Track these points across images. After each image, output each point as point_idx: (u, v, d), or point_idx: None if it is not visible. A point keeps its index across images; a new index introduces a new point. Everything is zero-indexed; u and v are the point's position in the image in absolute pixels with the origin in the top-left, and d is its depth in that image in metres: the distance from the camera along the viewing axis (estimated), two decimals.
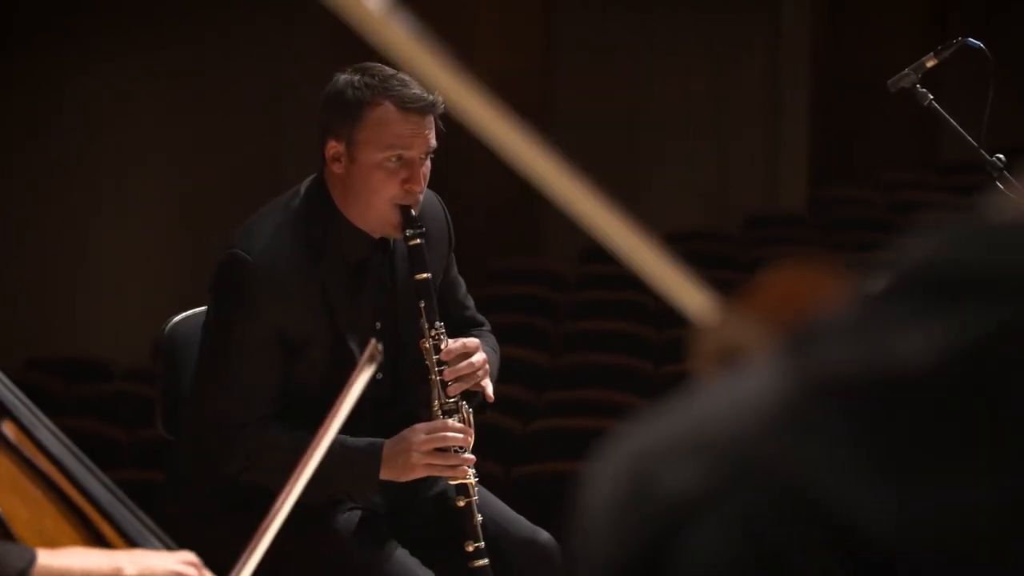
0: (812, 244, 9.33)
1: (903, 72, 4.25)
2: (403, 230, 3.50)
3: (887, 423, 0.72)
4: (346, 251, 3.55)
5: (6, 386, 2.24)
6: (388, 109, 3.47)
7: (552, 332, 8.08)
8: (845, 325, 0.75)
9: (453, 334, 3.59)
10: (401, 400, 3.66)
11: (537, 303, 8.43)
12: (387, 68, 3.53)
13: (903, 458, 0.71)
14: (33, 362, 8.43)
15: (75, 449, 2.21)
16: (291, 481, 2.44)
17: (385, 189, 3.49)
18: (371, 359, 2.54)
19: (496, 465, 5.97)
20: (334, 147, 3.52)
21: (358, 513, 3.61)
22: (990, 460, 0.70)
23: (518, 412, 6.64)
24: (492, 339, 3.79)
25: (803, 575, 0.70)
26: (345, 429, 2.74)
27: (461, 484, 3.54)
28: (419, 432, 3.51)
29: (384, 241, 3.60)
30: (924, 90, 4.24)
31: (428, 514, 3.70)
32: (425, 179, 3.51)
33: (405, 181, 3.48)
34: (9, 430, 2.18)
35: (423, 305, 3.54)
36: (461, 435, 3.53)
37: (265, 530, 2.38)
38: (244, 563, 2.34)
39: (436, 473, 3.55)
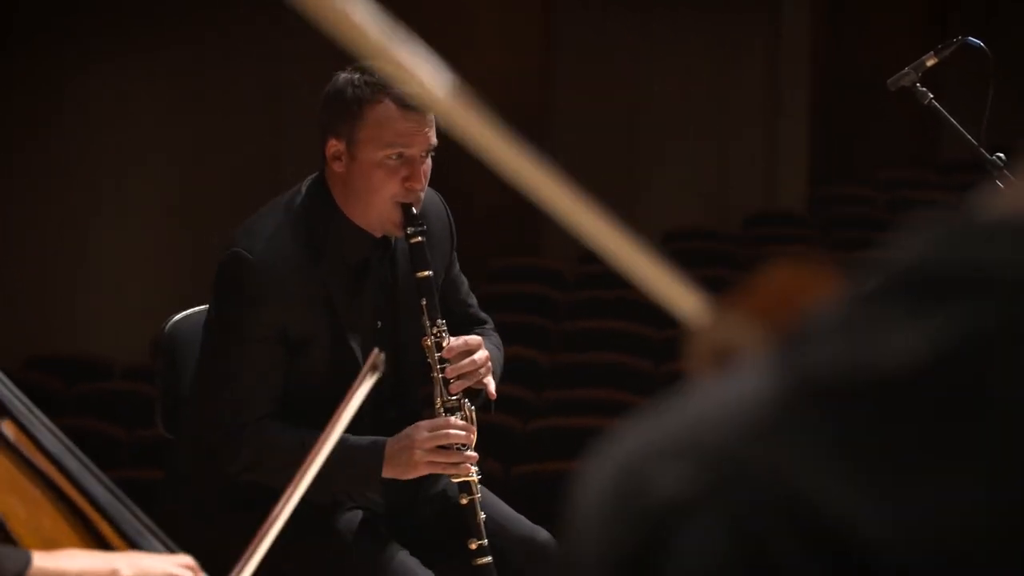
0: (812, 243, 9.34)
1: (903, 71, 4.25)
2: (404, 228, 3.50)
3: (878, 423, 0.72)
4: (347, 250, 3.55)
5: (5, 386, 2.24)
6: (388, 107, 3.47)
7: (552, 331, 8.08)
8: (835, 325, 0.75)
9: (456, 332, 3.59)
10: (402, 399, 3.66)
11: (537, 302, 8.43)
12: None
13: (895, 459, 0.71)
14: (33, 361, 8.43)
15: (74, 448, 2.21)
16: (293, 482, 2.44)
17: (386, 187, 3.49)
18: (373, 369, 2.54)
19: (496, 464, 5.98)
20: (334, 146, 3.52)
21: (358, 513, 3.61)
22: (988, 460, 0.70)
23: (518, 411, 6.64)
24: (496, 337, 3.79)
25: None
26: (346, 429, 2.74)
27: (464, 482, 3.54)
28: (422, 430, 3.50)
29: (385, 240, 3.60)
30: (924, 89, 4.24)
31: (428, 514, 3.70)
32: (426, 177, 3.51)
33: (406, 179, 3.48)
34: (8, 429, 2.18)
35: (424, 303, 3.54)
36: (463, 433, 3.52)
37: (266, 530, 2.38)
38: (245, 563, 2.34)
39: (439, 471, 3.55)
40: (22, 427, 2.19)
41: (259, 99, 10.20)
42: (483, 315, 3.84)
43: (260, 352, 3.49)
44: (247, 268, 3.47)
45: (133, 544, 2.16)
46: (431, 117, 3.48)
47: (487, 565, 3.50)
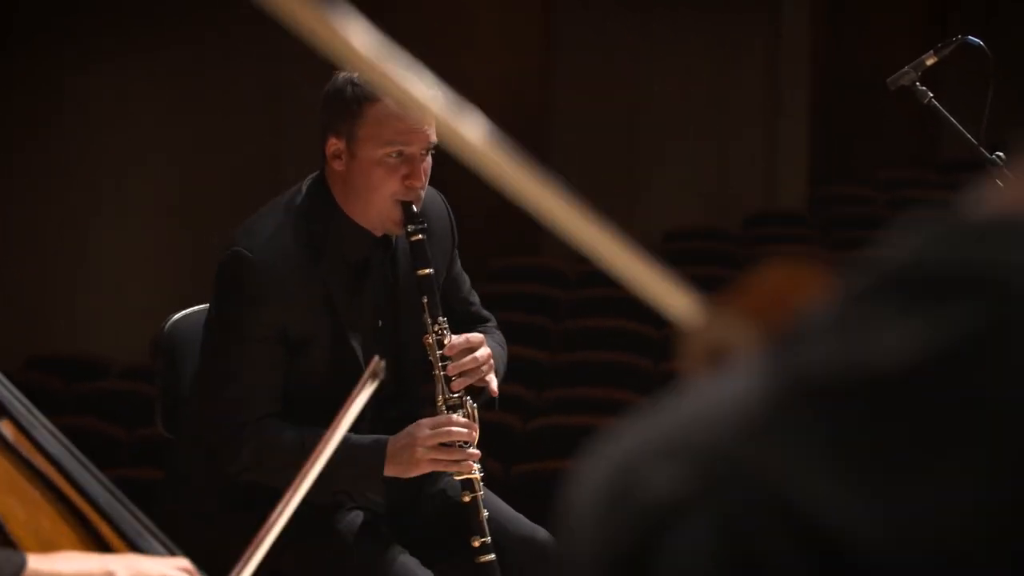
0: (812, 243, 9.34)
1: (903, 70, 4.25)
2: (405, 226, 3.50)
3: (872, 422, 0.72)
4: (347, 249, 3.55)
5: (4, 386, 2.24)
6: (388, 105, 3.47)
7: (552, 330, 8.08)
8: (828, 324, 0.75)
9: (458, 330, 3.58)
10: (403, 398, 3.65)
11: (537, 301, 8.43)
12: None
13: (889, 458, 0.71)
14: (32, 361, 8.43)
15: (73, 449, 2.21)
16: (293, 482, 2.44)
17: (386, 185, 3.49)
18: (373, 376, 2.53)
19: (496, 463, 5.98)
20: (334, 144, 3.52)
21: (359, 513, 3.61)
22: (984, 459, 0.70)
23: (518, 410, 6.65)
24: (499, 335, 3.79)
25: None
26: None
27: (466, 479, 3.53)
28: (424, 427, 3.50)
29: (386, 239, 3.60)
30: (924, 88, 4.24)
31: (429, 513, 3.69)
32: (426, 175, 3.51)
33: (406, 177, 3.48)
34: (7, 430, 2.18)
35: (426, 301, 3.53)
36: (466, 430, 3.52)
37: (267, 531, 2.38)
38: (245, 563, 2.34)
39: (441, 468, 3.55)
40: (21, 427, 2.19)
41: (259, 99, 10.20)
42: (485, 313, 3.83)
43: (260, 352, 3.49)
44: (247, 267, 3.47)
45: (132, 544, 2.16)
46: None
47: (490, 563, 3.50)
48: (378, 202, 3.50)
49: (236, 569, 2.33)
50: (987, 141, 4.17)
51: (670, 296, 1.09)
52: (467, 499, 3.53)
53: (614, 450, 0.76)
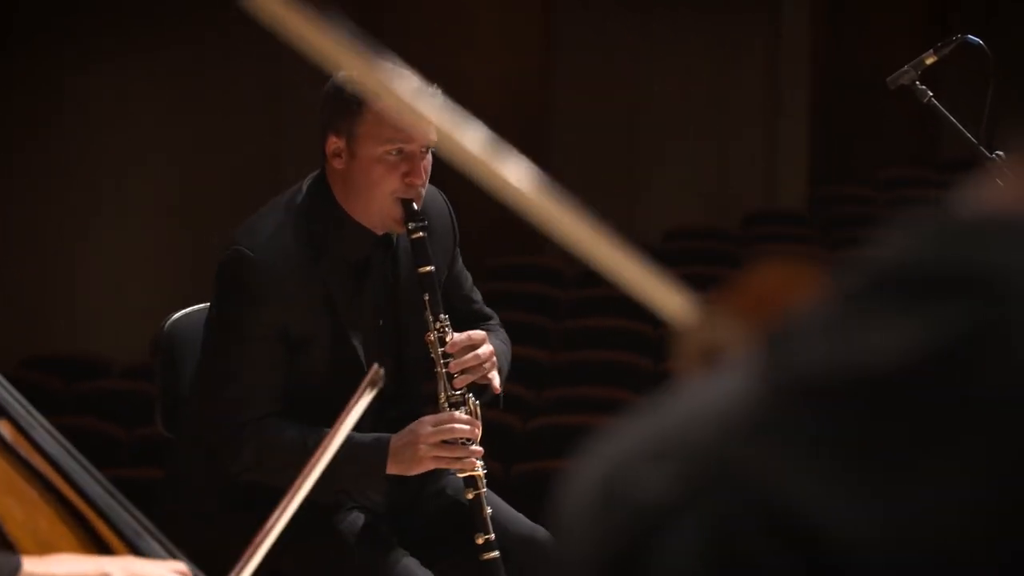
0: (812, 242, 9.34)
1: (902, 69, 4.25)
2: (405, 224, 3.50)
3: (867, 422, 0.72)
4: (348, 248, 3.55)
5: (3, 386, 2.24)
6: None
7: (552, 329, 8.08)
8: (821, 324, 0.75)
9: (460, 329, 3.58)
10: (404, 398, 3.65)
11: (537, 300, 8.43)
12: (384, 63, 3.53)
13: (887, 457, 0.71)
14: (32, 360, 8.43)
15: (72, 449, 2.21)
16: (295, 482, 2.44)
17: (386, 183, 3.48)
18: (372, 384, 2.53)
19: (496, 463, 5.98)
20: (334, 143, 3.52)
21: (358, 513, 3.60)
22: (982, 459, 0.70)
23: (518, 409, 6.65)
24: (502, 333, 3.78)
25: None
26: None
27: (469, 476, 3.52)
28: (426, 424, 3.50)
29: (387, 238, 3.60)
30: (923, 87, 4.24)
31: (428, 513, 3.69)
32: (426, 173, 3.50)
33: (406, 175, 3.48)
34: (5, 430, 2.18)
35: (427, 298, 3.53)
36: (468, 427, 3.52)
37: (267, 530, 2.37)
38: (245, 563, 2.34)
39: (444, 465, 3.54)
40: (20, 428, 2.19)
41: (259, 99, 10.21)
42: (488, 311, 3.83)
43: (261, 351, 3.49)
44: (248, 266, 3.47)
45: (131, 544, 2.16)
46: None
47: (494, 560, 3.49)
48: (378, 200, 3.50)
49: (236, 569, 2.33)
50: (987, 140, 4.17)
51: (665, 295, 1.09)
52: (470, 496, 3.52)
53: (607, 451, 0.77)
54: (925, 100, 4.25)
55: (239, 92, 10.16)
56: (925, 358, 0.72)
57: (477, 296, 3.82)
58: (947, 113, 4.22)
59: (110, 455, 6.62)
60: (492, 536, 3.49)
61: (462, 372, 3.54)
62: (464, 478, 3.54)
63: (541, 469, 6.00)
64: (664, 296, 1.09)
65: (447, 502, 3.67)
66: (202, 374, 3.61)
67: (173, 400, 3.72)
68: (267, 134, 10.18)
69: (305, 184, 3.60)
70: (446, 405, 3.54)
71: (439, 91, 3.50)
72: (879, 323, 0.73)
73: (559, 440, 6.26)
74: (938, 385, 0.71)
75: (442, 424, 3.50)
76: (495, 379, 3.58)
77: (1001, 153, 4.11)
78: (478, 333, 3.58)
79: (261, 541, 2.35)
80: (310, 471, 2.45)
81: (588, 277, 8.65)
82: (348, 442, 3.29)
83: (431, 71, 3.56)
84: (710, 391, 0.77)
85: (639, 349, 7.49)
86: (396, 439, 3.50)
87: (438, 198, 3.71)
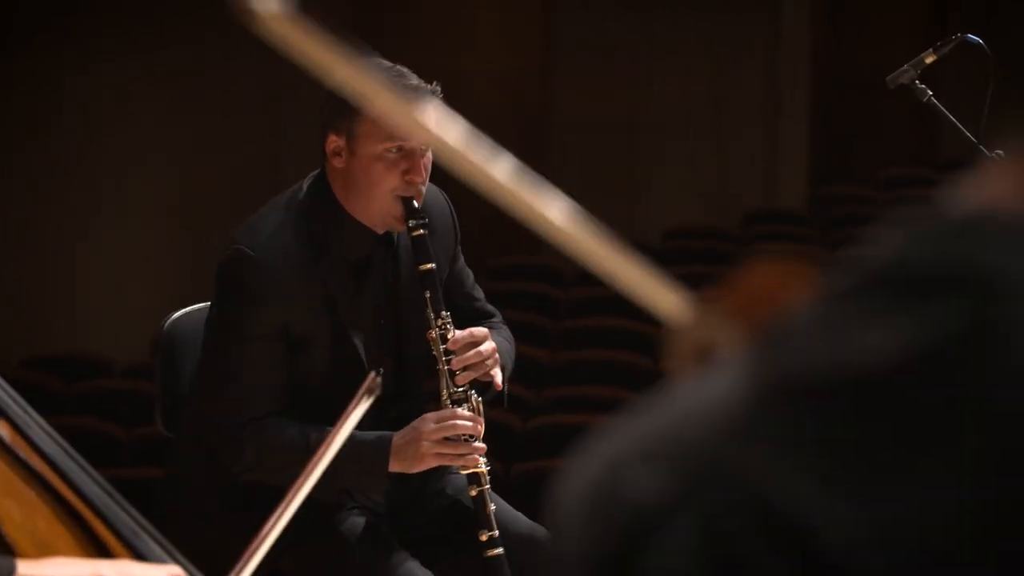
0: (812, 241, 9.34)
1: (902, 68, 4.25)
2: (405, 221, 3.49)
3: (856, 421, 0.72)
4: (349, 247, 3.55)
5: (1, 387, 2.24)
6: None
7: (552, 329, 8.08)
8: (812, 323, 0.75)
9: (462, 326, 3.58)
10: (404, 397, 3.65)
11: (536, 300, 8.43)
12: (384, 61, 3.53)
13: (874, 456, 0.71)
14: (32, 360, 8.43)
15: (70, 449, 2.21)
16: (296, 482, 2.44)
17: (386, 181, 3.48)
18: (369, 392, 2.52)
19: (496, 462, 5.97)
20: (334, 141, 3.52)
21: (358, 513, 3.60)
22: (970, 458, 0.70)
23: (518, 409, 6.65)
24: (506, 330, 3.78)
25: None
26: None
27: (473, 473, 3.52)
28: (428, 421, 3.49)
29: (388, 237, 3.59)
30: (923, 86, 4.24)
31: (429, 513, 3.69)
32: (427, 170, 3.50)
33: (406, 172, 3.47)
34: (3, 430, 2.18)
35: (428, 295, 3.53)
36: (471, 423, 3.51)
37: (268, 530, 2.37)
38: (245, 563, 2.34)
39: (447, 462, 3.54)
40: (17, 428, 2.19)
41: (259, 99, 10.21)
42: (490, 308, 3.82)
43: (261, 350, 3.48)
44: (248, 265, 3.47)
45: (128, 544, 2.16)
46: None
47: (498, 556, 3.48)
48: (379, 198, 3.50)
49: (236, 569, 2.33)
50: (987, 140, 4.17)
51: (659, 294, 1.09)
52: (473, 493, 3.51)
53: (601, 451, 0.77)
54: (925, 99, 4.25)
55: (239, 92, 10.16)
56: (916, 358, 0.72)
57: (479, 294, 3.82)
58: (946, 112, 4.23)
59: (110, 455, 6.63)
60: (496, 533, 3.49)
61: (464, 369, 3.53)
62: (467, 475, 3.53)
63: (541, 468, 6.00)
64: (658, 294, 1.09)
65: (448, 502, 3.67)
66: (202, 374, 3.61)
67: (173, 400, 3.72)
68: (267, 134, 10.18)
69: (305, 183, 3.59)
70: (448, 402, 3.53)
71: (438, 88, 3.50)
72: (871, 322, 0.73)
73: (559, 440, 6.26)
74: (928, 385, 0.71)
75: (445, 421, 3.49)
76: (497, 376, 3.58)
77: (1001, 152, 4.11)
78: (480, 330, 3.58)
79: (261, 541, 2.35)
80: (310, 471, 2.45)
81: (588, 277, 8.64)
82: (350, 441, 3.29)
83: (431, 71, 3.57)
84: (703, 390, 0.77)
85: (639, 348, 7.49)
86: (399, 437, 3.50)
87: (439, 197, 3.71)
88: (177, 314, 3.79)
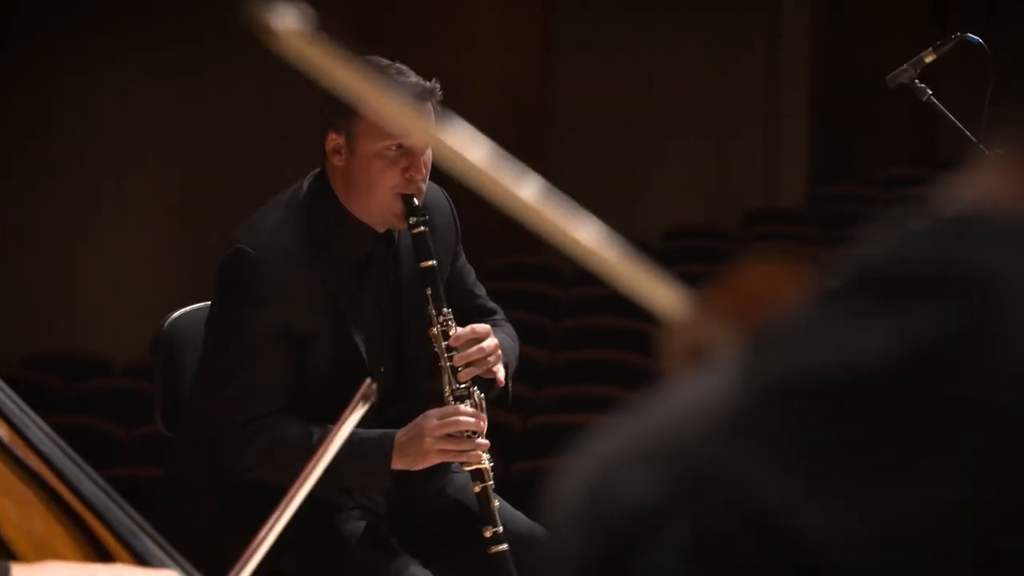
0: (812, 241, 9.34)
1: (902, 67, 4.25)
2: (406, 219, 3.49)
3: (849, 421, 0.72)
4: (349, 246, 3.54)
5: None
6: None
7: (551, 328, 8.08)
8: (804, 324, 0.75)
9: (464, 323, 3.57)
10: (404, 397, 3.64)
11: (536, 299, 8.43)
12: (383, 60, 3.53)
13: (871, 456, 0.71)
14: (32, 359, 8.43)
15: (68, 449, 2.20)
16: (296, 482, 2.44)
17: (386, 178, 3.48)
18: (364, 399, 2.52)
19: (496, 461, 5.97)
20: (334, 140, 3.52)
21: (358, 513, 3.60)
22: (968, 459, 0.70)
23: (518, 408, 6.65)
24: (509, 327, 3.77)
25: None
26: None
27: (476, 470, 3.51)
28: (431, 418, 3.49)
29: (389, 235, 3.59)
30: (923, 85, 4.24)
31: (428, 513, 3.69)
32: (427, 168, 3.50)
33: (405, 170, 3.47)
34: (1, 430, 2.18)
35: (429, 292, 3.52)
36: (473, 420, 3.51)
37: (268, 530, 2.37)
38: (245, 563, 2.34)
39: (450, 459, 3.53)
40: (15, 428, 2.19)
41: (259, 99, 10.20)
42: (492, 305, 3.82)
43: (263, 349, 3.48)
44: (249, 264, 3.46)
45: (126, 544, 2.16)
46: (428, 107, 3.47)
47: (503, 553, 3.48)
48: (379, 196, 3.49)
49: (236, 569, 2.33)
50: (987, 139, 4.17)
51: (658, 292, 1.09)
52: (477, 489, 3.51)
53: (596, 451, 0.77)
54: (924, 98, 4.25)
55: (239, 92, 10.16)
56: (909, 358, 0.72)
57: (481, 291, 3.82)
58: (946, 111, 4.23)
59: (110, 454, 6.62)
60: (500, 529, 3.48)
61: (467, 365, 3.53)
62: (471, 471, 3.52)
63: (541, 468, 6.00)
64: (655, 293, 1.09)
65: (448, 501, 3.67)
66: (203, 373, 3.60)
67: (173, 399, 3.72)
68: (267, 134, 10.18)
69: (306, 182, 3.59)
70: (451, 399, 3.53)
71: (437, 85, 3.50)
72: (863, 323, 0.73)
73: (559, 439, 6.26)
74: (923, 385, 0.71)
75: (447, 417, 3.49)
76: (500, 372, 3.57)
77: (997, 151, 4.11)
78: (482, 326, 3.58)
79: (261, 541, 2.35)
80: (310, 472, 2.45)
81: (587, 276, 8.64)
82: (352, 439, 3.29)
83: (431, 71, 3.56)
84: (695, 391, 0.77)
85: (639, 348, 7.48)
86: (401, 434, 3.50)
87: (440, 196, 3.70)
88: (177, 313, 3.79)
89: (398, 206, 3.49)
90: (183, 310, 3.80)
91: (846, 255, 0.76)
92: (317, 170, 3.60)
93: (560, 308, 8.53)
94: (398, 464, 3.49)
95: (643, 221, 10.55)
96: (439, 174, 3.56)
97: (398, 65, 3.49)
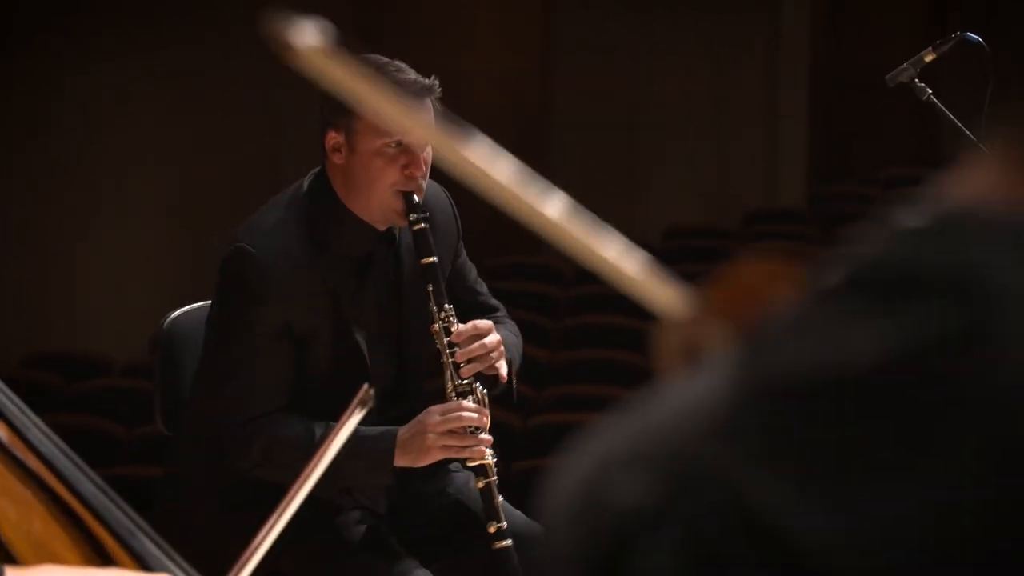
0: (812, 240, 9.34)
1: (901, 66, 4.25)
2: (406, 216, 3.49)
3: (847, 421, 0.71)
4: (350, 244, 3.54)
5: None
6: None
7: (551, 328, 8.08)
8: (798, 324, 0.75)
9: (467, 321, 3.57)
10: (405, 396, 3.64)
11: (536, 299, 8.43)
12: (382, 57, 3.53)
13: (871, 457, 0.71)
14: (32, 358, 8.43)
15: (67, 449, 2.20)
16: (297, 481, 2.44)
17: (385, 175, 3.48)
18: (362, 405, 2.52)
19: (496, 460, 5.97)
20: (333, 138, 3.52)
21: (358, 514, 3.60)
22: (971, 458, 0.70)
23: (518, 408, 6.65)
24: (512, 324, 3.77)
25: None
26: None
27: (479, 465, 3.51)
28: (433, 414, 3.49)
29: (389, 234, 3.59)
30: (922, 84, 4.24)
31: (428, 513, 3.69)
32: (427, 165, 3.49)
33: (405, 167, 3.47)
34: (1, 432, 2.18)
35: (431, 289, 3.52)
36: (476, 415, 3.50)
37: (268, 531, 2.37)
38: (245, 563, 2.34)
39: (453, 455, 3.53)
40: (14, 428, 2.19)
41: (259, 99, 10.21)
42: (494, 302, 3.81)
43: (264, 348, 3.48)
44: (250, 263, 3.46)
45: (125, 544, 2.16)
46: (428, 104, 3.47)
47: (507, 548, 3.47)
48: (379, 193, 3.49)
49: (236, 569, 2.32)
50: (987, 139, 4.17)
51: (654, 290, 1.09)
52: (481, 485, 3.50)
53: (590, 450, 0.77)
54: (924, 97, 4.25)
55: (239, 92, 10.16)
56: (908, 358, 0.72)
57: (482, 288, 3.81)
58: (946, 110, 4.22)
59: (110, 453, 6.63)
60: (504, 524, 3.47)
61: (469, 361, 3.52)
62: (474, 467, 3.52)
63: (541, 467, 6.00)
64: (651, 291, 1.09)
65: (448, 501, 3.67)
66: (205, 371, 3.60)
67: (173, 399, 3.72)
68: (267, 134, 10.18)
69: (306, 181, 3.59)
70: (453, 395, 3.52)
71: (436, 83, 3.50)
72: (861, 323, 0.73)
73: (558, 438, 6.26)
74: (922, 385, 0.71)
75: (450, 413, 3.49)
76: (502, 368, 3.56)
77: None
78: (484, 322, 3.57)
79: (261, 541, 2.35)
80: (310, 473, 2.45)
81: (587, 276, 8.64)
82: (354, 437, 3.28)
83: (431, 71, 3.56)
84: (690, 391, 0.77)
85: (638, 347, 7.48)
86: (403, 431, 3.49)
87: (441, 194, 3.70)
88: (176, 313, 3.79)
89: (398, 203, 3.48)
90: (183, 309, 3.80)
91: (841, 254, 0.76)
92: (317, 169, 3.60)
93: (560, 308, 8.53)
94: (401, 461, 3.49)
95: (643, 221, 10.55)
96: (438, 174, 3.56)
97: (397, 62, 3.49)
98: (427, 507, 3.68)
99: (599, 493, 0.74)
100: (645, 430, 0.76)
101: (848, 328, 0.73)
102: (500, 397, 3.63)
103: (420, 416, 3.49)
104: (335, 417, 2.55)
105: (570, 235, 1.12)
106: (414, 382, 3.67)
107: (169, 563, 2.16)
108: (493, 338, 3.54)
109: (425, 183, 3.51)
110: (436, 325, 3.52)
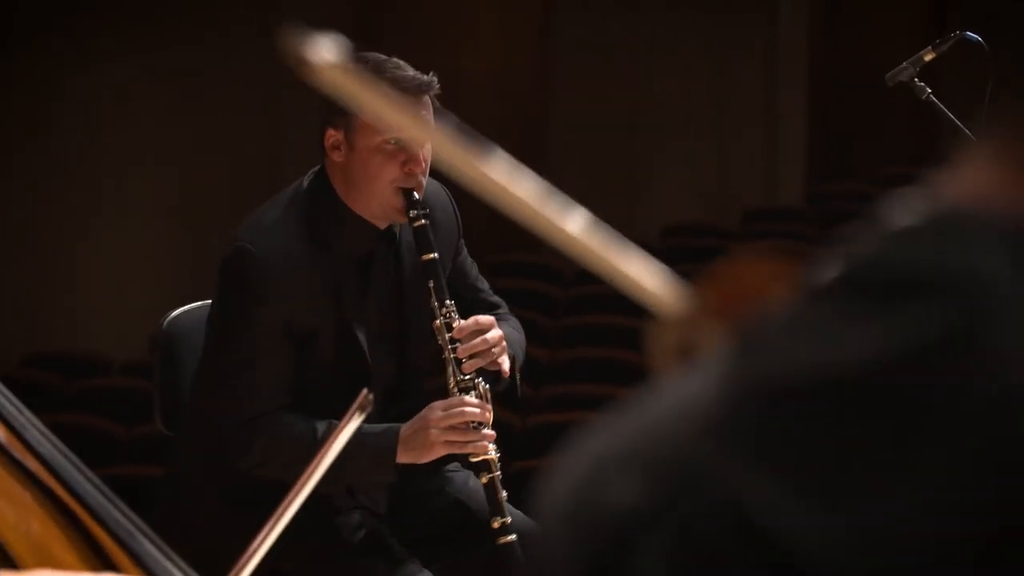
0: (811, 239, 9.34)
1: (901, 66, 4.25)
2: (407, 212, 3.49)
3: (839, 423, 0.71)
4: (351, 243, 3.54)
5: None
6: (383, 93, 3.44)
7: (550, 327, 8.08)
8: (790, 325, 0.75)
9: (468, 317, 3.57)
10: (406, 395, 3.64)
11: (536, 298, 8.43)
12: (381, 55, 3.53)
13: (861, 459, 0.71)
14: (32, 358, 8.43)
15: (65, 450, 2.20)
16: (299, 481, 2.43)
17: (385, 172, 3.48)
18: (361, 409, 2.52)
19: None
20: (333, 136, 3.52)
21: (358, 514, 3.59)
22: (971, 458, 0.70)
23: (516, 407, 6.65)
24: (514, 320, 3.77)
25: None
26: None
27: (483, 460, 3.50)
28: (436, 410, 3.49)
29: (390, 232, 3.59)
30: (922, 84, 4.24)
31: (428, 512, 3.68)
32: (426, 162, 3.49)
33: (405, 163, 3.47)
34: (0, 432, 2.18)
35: (432, 285, 3.52)
36: (479, 410, 3.50)
37: (269, 530, 2.37)
38: (245, 563, 2.33)
39: (456, 450, 3.53)
40: (12, 429, 2.18)
41: (259, 99, 10.20)
42: (496, 299, 3.81)
43: (265, 346, 3.48)
44: (250, 262, 3.46)
45: (124, 545, 2.16)
46: (427, 100, 3.47)
47: (511, 543, 3.47)
48: (379, 190, 3.49)
49: (236, 569, 2.32)
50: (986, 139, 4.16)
51: (650, 288, 1.09)
52: (484, 480, 3.50)
53: (586, 450, 0.77)
54: (923, 97, 4.25)
55: (239, 92, 10.15)
56: (905, 358, 0.71)
57: (484, 285, 3.81)
58: (945, 110, 4.22)
59: (109, 453, 6.62)
60: (508, 519, 3.47)
61: (471, 357, 3.52)
62: (477, 462, 3.52)
63: (540, 466, 6.00)
64: (647, 289, 1.09)
65: (448, 501, 3.67)
66: (205, 371, 3.60)
67: (173, 398, 3.72)
68: (267, 134, 10.18)
69: (306, 180, 3.59)
70: (456, 390, 3.52)
71: (435, 79, 3.49)
72: (856, 323, 0.73)
73: (558, 438, 6.26)
74: (920, 385, 0.71)
75: (452, 408, 3.48)
76: (505, 363, 3.56)
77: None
78: (486, 318, 3.57)
79: (262, 541, 2.35)
80: (311, 473, 2.45)
81: (587, 275, 8.63)
82: (356, 435, 3.28)
83: (431, 70, 3.56)
84: (685, 390, 0.77)
85: (638, 346, 7.48)
86: (406, 427, 3.49)
87: (441, 193, 3.70)
88: (176, 312, 3.78)
89: (398, 200, 3.48)
90: (182, 309, 3.80)
91: (835, 254, 0.76)
92: (317, 168, 3.60)
93: (559, 307, 8.53)
94: (403, 457, 3.49)
95: (643, 220, 10.54)
96: (439, 174, 3.56)
97: (395, 59, 3.49)
98: (427, 507, 3.68)
99: (595, 493, 0.74)
100: (641, 430, 0.76)
101: (846, 328, 0.73)
102: (504, 393, 3.63)
103: (422, 412, 3.49)
104: (336, 416, 2.55)
105: (569, 235, 1.12)
106: (415, 381, 3.67)
107: (168, 564, 2.16)
108: (495, 333, 3.54)
109: (425, 180, 3.51)
110: (438, 321, 3.52)
